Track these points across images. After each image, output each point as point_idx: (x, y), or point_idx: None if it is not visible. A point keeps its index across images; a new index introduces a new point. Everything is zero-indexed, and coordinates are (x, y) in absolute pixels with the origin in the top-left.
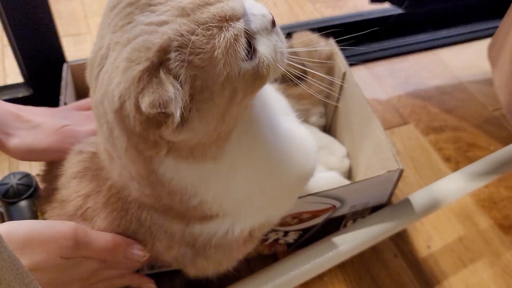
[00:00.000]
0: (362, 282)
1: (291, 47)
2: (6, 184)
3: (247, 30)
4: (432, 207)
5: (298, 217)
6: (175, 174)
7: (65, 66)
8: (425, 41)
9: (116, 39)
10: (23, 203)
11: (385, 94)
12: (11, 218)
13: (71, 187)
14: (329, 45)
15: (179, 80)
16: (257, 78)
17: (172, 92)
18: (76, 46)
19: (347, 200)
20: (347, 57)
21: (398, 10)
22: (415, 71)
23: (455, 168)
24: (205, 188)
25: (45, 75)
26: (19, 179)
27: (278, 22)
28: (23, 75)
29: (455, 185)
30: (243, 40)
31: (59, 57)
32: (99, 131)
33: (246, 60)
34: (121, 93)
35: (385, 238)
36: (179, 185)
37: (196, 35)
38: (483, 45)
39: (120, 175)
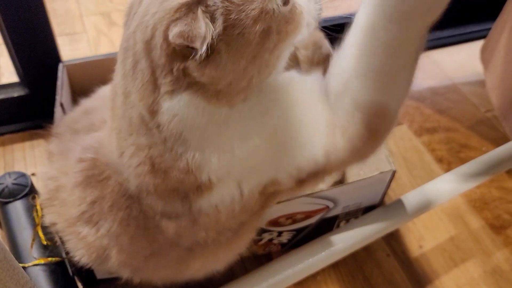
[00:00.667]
0: (355, 282)
1: None
2: (1, 184)
3: None
4: (424, 207)
5: (292, 218)
6: (180, 112)
7: (60, 66)
8: None
9: None
10: (18, 203)
11: None
12: (6, 218)
13: (75, 194)
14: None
15: (215, 14)
16: (290, 23)
17: (203, 30)
18: (71, 46)
19: (340, 201)
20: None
21: None
22: None
23: (448, 169)
24: (202, 138)
25: (41, 75)
26: (15, 179)
27: None
28: (18, 74)
29: (447, 186)
30: None
31: (54, 56)
32: (120, 68)
33: (282, 5)
34: (155, 22)
35: (378, 238)
36: (177, 127)
37: None
38: (476, 46)
39: (118, 136)
